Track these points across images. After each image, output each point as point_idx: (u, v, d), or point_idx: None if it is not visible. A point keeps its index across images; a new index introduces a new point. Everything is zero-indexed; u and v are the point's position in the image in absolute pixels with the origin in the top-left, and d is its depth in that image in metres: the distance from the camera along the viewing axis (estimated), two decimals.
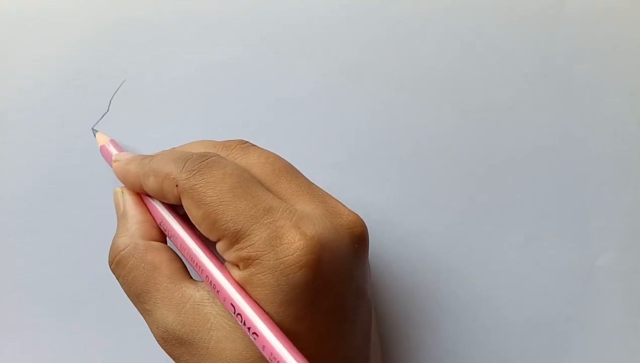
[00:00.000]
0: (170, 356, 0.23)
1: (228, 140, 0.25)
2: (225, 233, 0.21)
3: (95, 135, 0.29)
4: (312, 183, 0.24)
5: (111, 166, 0.27)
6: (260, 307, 0.20)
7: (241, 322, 0.20)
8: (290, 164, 0.25)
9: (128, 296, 0.24)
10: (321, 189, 0.24)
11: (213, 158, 0.22)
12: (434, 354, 0.30)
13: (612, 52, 0.31)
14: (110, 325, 0.30)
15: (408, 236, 0.30)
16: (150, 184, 0.24)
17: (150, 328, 0.23)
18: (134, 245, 0.24)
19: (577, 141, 0.31)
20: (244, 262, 0.21)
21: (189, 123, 0.30)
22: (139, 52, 0.29)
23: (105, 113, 0.29)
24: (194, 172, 0.22)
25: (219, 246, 0.22)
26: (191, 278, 0.23)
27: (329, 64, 0.30)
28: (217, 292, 0.21)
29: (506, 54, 0.31)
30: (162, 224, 0.25)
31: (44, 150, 0.29)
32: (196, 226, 0.22)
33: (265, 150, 0.25)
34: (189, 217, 0.22)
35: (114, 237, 0.25)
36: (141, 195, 0.26)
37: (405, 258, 0.30)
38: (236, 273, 0.21)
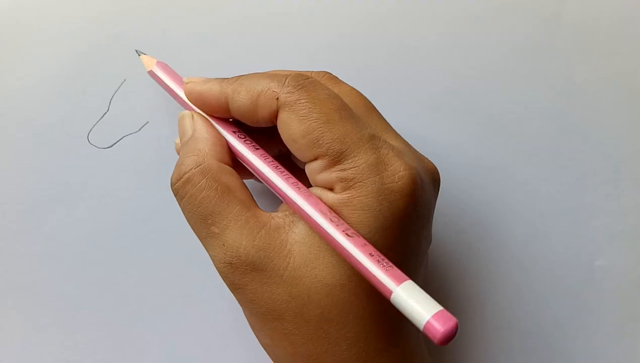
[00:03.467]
0: (235, 284, 0.22)
1: (313, 72, 0.24)
2: (329, 152, 0.20)
3: (140, 57, 0.28)
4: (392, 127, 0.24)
5: (167, 89, 0.26)
6: (346, 226, 0.20)
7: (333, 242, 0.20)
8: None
9: (190, 218, 0.22)
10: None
11: (313, 79, 0.22)
12: (433, 353, 0.30)
13: (612, 52, 0.31)
14: (110, 325, 0.30)
15: None
16: (241, 99, 0.22)
17: (214, 254, 0.22)
18: (207, 163, 0.22)
19: (577, 141, 0.31)
20: (344, 184, 0.20)
21: None
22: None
23: (105, 113, 0.29)
24: (299, 87, 0.21)
25: (315, 165, 0.21)
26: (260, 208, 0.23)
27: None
28: (308, 217, 0.20)
29: (506, 54, 0.31)
30: (237, 153, 0.23)
31: (44, 150, 0.29)
32: (290, 142, 0.21)
33: (352, 86, 0.24)
34: (284, 133, 0.21)
35: (181, 156, 0.23)
36: (215, 123, 0.24)
37: None
38: (330, 195, 0.21)
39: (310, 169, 0.22)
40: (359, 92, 0.24)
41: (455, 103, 0.30)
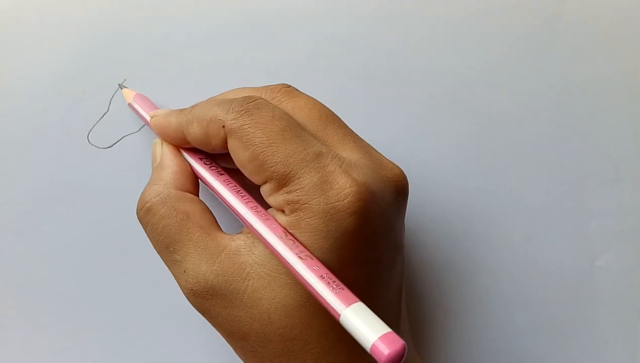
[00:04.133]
0: (199, 309, 0.22)
1: (271, 85, 0.24)
2: (274, 176, 0.20)
3: (121, 91, 0.29)
4: (356, 134, 0.24)
5: (143, 120, 0.27)
6: (302, 248, 0.20)
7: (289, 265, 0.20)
8: (335, 113, 0.24)
9: (155, 246, 0.23)
10: (364, 140, 0.24)
11: (259, 100, 0.22)
12: (432, 352, 0.30)
13: (612, 52, 0.31)
14: (110, 325, 0.30)
15: (408, 235, 0.30)
16: (194, 131, 0.23)
17: (178, 281, 0.22)
18: (167, 193, 0.23)
19: (577, 141, 0.31)
20: (292, 206, 0.20)
21: None
22: (139, 52, 0.29)
23: (105, 113, 0.29)
24: (242, 113, 0.21)
25: (265, 189, 0.21)
26: (222, 231, 0.23)
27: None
28: (265, 241, 0.21)
29: (506, 54, 0.31)
30: (202, 178, 0.24)
31: (44, 150, 0.29)
32: (241, 168, 0.22)
33: (310, 96, 0.24)
34: (235, 159, 0.22)
35: (147, 185, 0.24)
36: (180, 149, 0.25)
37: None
38: (282, 218, 0.21)
39: (262, 191, 0.22)
40: (316, 103, 0.24)
41: (455, 103, 0.30)
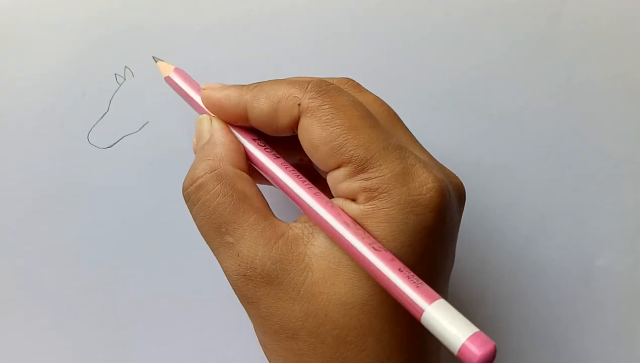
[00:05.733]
0: (246, 299, 0.20)
1: (336, 78, 0.23)
2: (353, 159, 0.19)
3: (157, 63, 0.27)
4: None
5: (183, 95, 0.25)
6: (372, 239, 0.19)
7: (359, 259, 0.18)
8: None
9: (203, 226, 0.21)
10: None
11: (336, 85, 0.21)
12: None
13: (612, 52, 0.31)
14: (110, 325, 0.30)
15: None
16: (260, 106, 0.21)
17: (227, 266, 0.21)
18: (223, 169, 0.21)
19: (577, 141, 0.31)
20: (368, 194, 0.19)
21: (189, 122, 0.30)
22: (139, 52, 0.29)
23: (106, 113, 0.29)
24: (322, 93, 0.20)
25: (337, 174, 0.20)
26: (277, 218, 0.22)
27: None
28: (330, 229, 0.19)
29: (506, 53, 0.31)
30: (256, 160, 0.22)
31: (44, 150, 0.29)
32: (311, 150, 0.20)
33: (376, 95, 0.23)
34: (306, 140, 0.20)
35: (195, 161, 0.22)
36: (232, 127, 0.23)
37: None
38: (353, 206, 0.20)
39: (332, 178, 0.20)
40: (383, 102, 0.23)
41: (455, 103, 0.30)
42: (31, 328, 0.30)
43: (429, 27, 0.30)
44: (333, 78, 0.23)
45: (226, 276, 0.21)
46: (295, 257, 0.20)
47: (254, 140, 0.23)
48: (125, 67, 0.29)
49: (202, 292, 0.30)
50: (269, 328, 0.20)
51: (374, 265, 0.18)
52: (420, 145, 0.23)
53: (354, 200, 0.20)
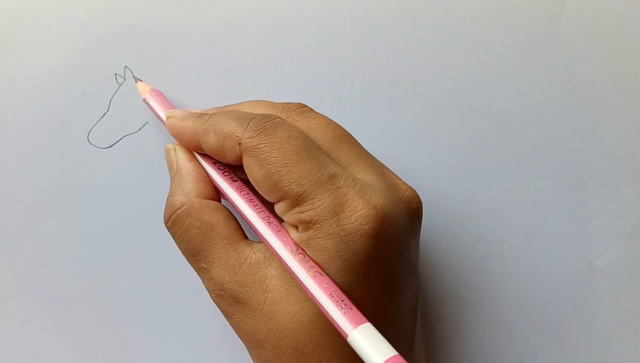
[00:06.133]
0: (224, 312, 0.23)
1: (287, 103, 0.25)
2: (288, 195, 0.21)
3: (136, 83, 0.29)
4: (370, 154, 0.24)
5: (157, 116, 0.27)
6: (313, 264, 0.20)
7: (299, 282, 0.20)
8: (349, 133, 0.24)
9: (183, 254, 0.24)
10: (378, 160, 0.24)
11: (277, 120, 0.22)
12: (432, 352, 0.30)
13: (612, 52, 0.31)
14: (110, 325, 0.30)
15: None
16: (210, 142, 0.23)
17: (206, 285, 0.24)
18: (190, 203, 0.23)
19: (577, 141, 0.31)
20: (304, 225, 0.21)
21: None
22: (139, 52, 0.29)
23: (106, 113, 0.29)
24: (259, 132, 0.21)
25: (279, 207, 0.22)
26: (247, 238, 0.23)
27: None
28: (276, 255, 0.21)
29: (506, 53, 0.31)
30: (216, 184, 0.24)
31: (44, 150, 0.29)
32: (255, 186, 0.22)
33: (325, 116, 0.25)
34: (249, 176, 0.22)
35: (169, 195, 0.24)
36: (196, 153, 0.25)
37: None
38: (294, 234, 0.21)
39: (277, 210, 0.22)
40: (330, 123, 0.24)
41: (455, 103, 0.30)
42: (31, 328, 0.30)
43: (429, 27, 0.30)
44: (284, 103, 0.25)
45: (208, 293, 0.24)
46: (257, 280, 0.22)
47: (214, 163, 0.24)
48: (125, 67, 0.29)
49: (202, 292, 0.30)
50: (242, 338, 0.23)
51: (308, 289, 0.20)
52: (369, 161, 0.23)
53: (296, 227, 0.21)
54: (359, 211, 0.20)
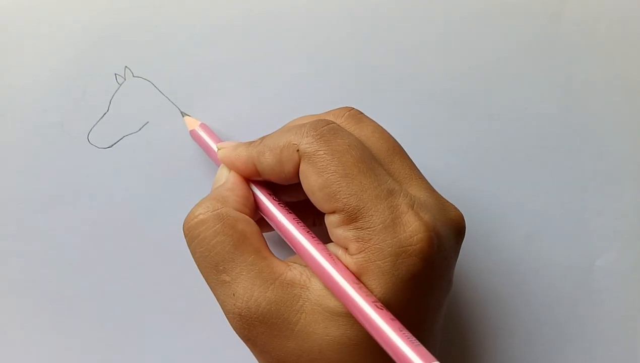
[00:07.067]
0: (245, 335, 0.21)
1: (336, 109, 0.24)
2: (345, 208, 0.20)
3: (183, 118, 0.29)
4: (418, 168, 0.24)
5: (205, 150, 0.27)
6: (374, 298, 0.20)
7: (357, 314, 0.20)
8: (399, 143, 0.24)
9: (201, 262, 0.22)
10: (424, 177, 0.24)
11: (333, 125, 0.21)
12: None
13: (612, 52, 0.31)
14: (109, 325, 0.30)
15: None
16: (267, 160, 0.22)
17: (223, 304, 0.21)
18: (225, 210, 0.22)
19: (577, 141, 0.31)
20: (360, 244, 0.20)
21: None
22: (139, 52, 0.29)
23: (105, 113, 0.29)
24: (317, 137, 0.21)
25: (332, 219, 0.21)
26: (276, 257, 0.22)
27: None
28: (339, 288, 0.20)
29: (506, 54, 0.31)
30: (268, 212, 0.23)
31: (44, 150, 0.29)
32: (309, 194, 0.21)
33: (376, 123, 0.24)
34: (304, 184, 0.21)
35: (200, 200, 0.23)
36: (250, 182, 0.24)
37: None
38: (347, 259, 0.20)
39: (328, 221, 0.21)
40: (383, 133, 0.23)
41: (455, 103, 0.30)
42: (31, 328, 0.30)
43: (429, 27, 0.30)
44: (334, 110, 0.24)
45: (223, 312, 0.22)
46: (290, 298, 0.21)
47: (270, 194, 0.24)
48: (125, 67, 0.29)
49: (202, 292, 0.30)
50: (268, 360, 0.21)
51: (377, 325, 0.19)
52: (419, 177, 0.23)
53: (345, 247, 0.21)
54: (420, 234, 0.20)
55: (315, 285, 0.21)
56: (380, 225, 0.20)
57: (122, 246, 0.29)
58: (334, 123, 0.22)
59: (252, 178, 0.24)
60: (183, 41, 0.30)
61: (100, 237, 0.29)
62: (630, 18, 0.31)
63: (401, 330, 0.19)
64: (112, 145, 0.29)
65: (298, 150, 0.21)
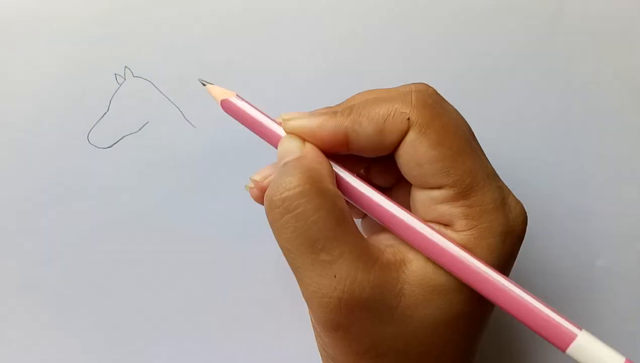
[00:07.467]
0: (336, 322, 0.19)
1: (414, 84, 0.22)
2: (458, 184, 0.19)
3: (205, 87, 0.23)
4: None
5: (245, 123, 0.22)
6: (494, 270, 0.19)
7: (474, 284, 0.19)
8: None
9: (292, 239, 0.19)
10: None
11: (439, 97, 0.21)
12: None
13: (612, 52, 0.31)
14: (109, 325, 0.30)
15: None
16: (365, 130, 0.20)
17: (319, 285, 0.19)
18: (327, 185, 0.19)
19: (577, 141, 0.31)
20: (468, 221, 0.20)
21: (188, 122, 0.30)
22: (139, 52, 0.29)
23: (105, 113, 0.29)
24: (429, 108, 0.20)
25: (436, 194, 0.20)
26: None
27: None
28: (451, 263, 0.19)
29: (506, 53, 0.31)
30: (355, 192, 0.21)
31: (44, 150, 0.29)
32: (416, 164, 0.20)
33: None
34: (410, 154, 0.20)
35: (283, 172, 0.20)
36: (333, 164, 0.21)
37: None
38: (451, 234, 0.20)
39: (428, 197, 0.20)
40: (462, 117, 0.22)
41: (455, 103, 0.30)
42: (31, 328, 0.30)
43: (429, 28, 0.30)
44: (411, 84, 0.22)
45: (309, 296, 0.19)
46: (390, 282, 0.19)
47: (348, 170, 0.21)
48: (125, 67, 0.29)
49: (202, 292, 0.30)
50: (354, 350, 0.20)
51: (515, 295, 0.19)
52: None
53: (447, 224, 0.20)
54: (523, 215, 0.21)
55: (413, 266, 0.20)
56: (492, 204, 0.20)
57: (122, 246, 0.29)
58: (434, 91, 0.21)
59: (336, 150, 0.21)
60: (183, 41, 0.30)
61: (100, 237, 0.29)
62: (630, 18, 0.31)
63: (540, 300, 0.18)
64: (112, 145, 0.29)
65: (409, 119, 0.20)
